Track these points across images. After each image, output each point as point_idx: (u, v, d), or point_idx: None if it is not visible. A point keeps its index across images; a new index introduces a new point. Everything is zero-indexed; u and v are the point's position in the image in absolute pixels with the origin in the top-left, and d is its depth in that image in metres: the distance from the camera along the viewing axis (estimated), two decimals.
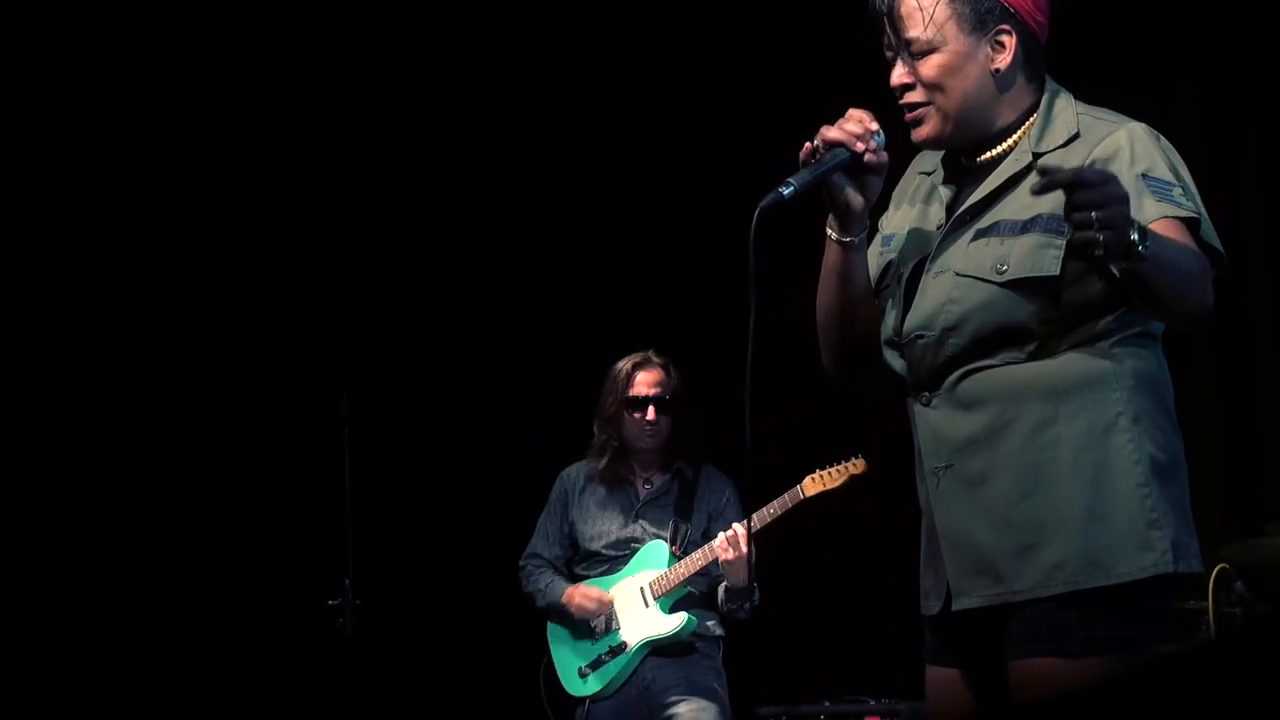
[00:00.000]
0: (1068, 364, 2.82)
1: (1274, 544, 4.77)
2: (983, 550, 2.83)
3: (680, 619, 5.03)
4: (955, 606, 2.88)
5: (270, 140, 6.43)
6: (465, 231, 6.62)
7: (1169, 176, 2.81)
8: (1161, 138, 2.89)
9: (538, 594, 5.24)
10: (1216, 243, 2.82)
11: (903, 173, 3.11)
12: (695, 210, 6.36)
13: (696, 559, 4.99)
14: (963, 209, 2.93)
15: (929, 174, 3.05)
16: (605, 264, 6.50)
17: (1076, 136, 2.89)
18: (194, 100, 6.38)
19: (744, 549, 4.87)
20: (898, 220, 3.06)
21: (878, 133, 2.89)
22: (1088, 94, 3.00)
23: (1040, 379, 2.82)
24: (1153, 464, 2.81)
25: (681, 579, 5.02)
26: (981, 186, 2.92)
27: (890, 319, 2.98)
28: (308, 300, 6.31)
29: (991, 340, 2.84)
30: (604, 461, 5.25)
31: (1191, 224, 2.78)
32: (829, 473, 4.91)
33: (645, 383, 5.20)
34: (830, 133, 2.88)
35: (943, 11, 2.87)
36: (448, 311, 6.59)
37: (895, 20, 2.89)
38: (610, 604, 5.11)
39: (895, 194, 3.12)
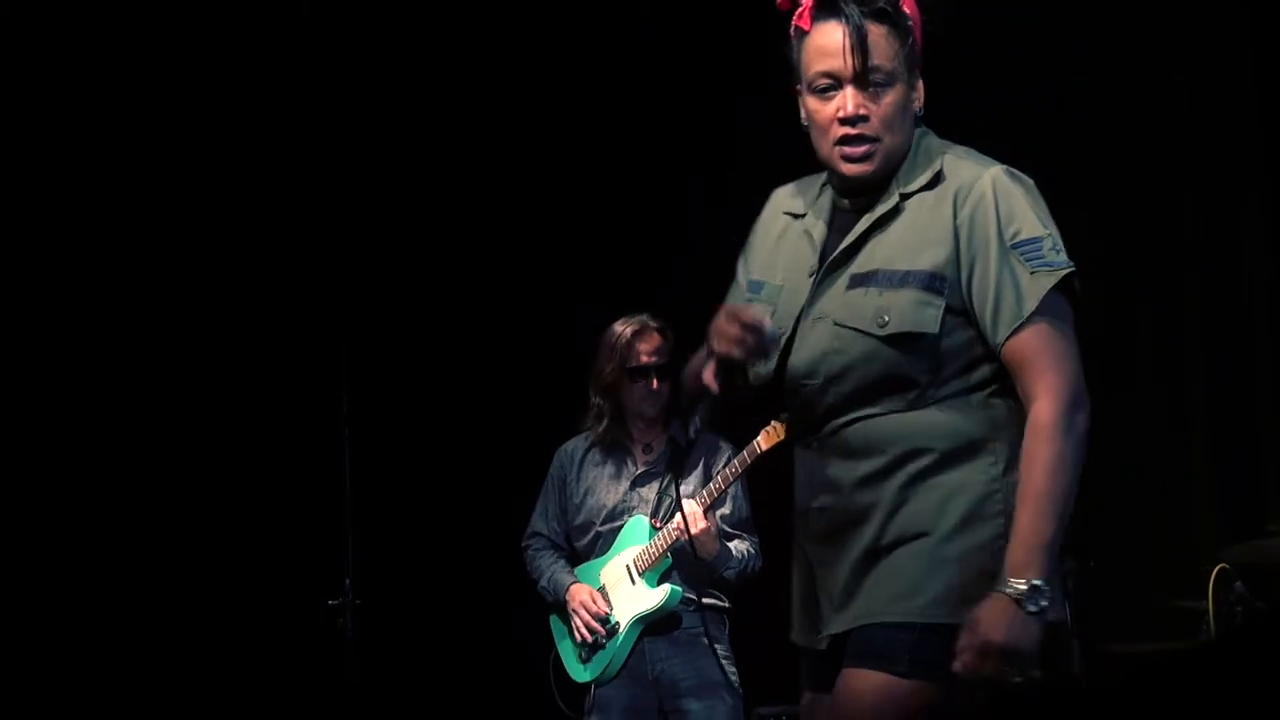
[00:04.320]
0: (947, 413, 2.85)
1: (1274, 545, 4.77)
2: (846, 585, 2.88)
3: (665, 591, 5.02)
4: (824, 631, 2.93)
5: (271, 141, 6.43)
6: (464, 233, 6.63)
7: (1037, 228, 2.83)
8: (1021, 178, 2.89)
9: (544, 589, 5.24)
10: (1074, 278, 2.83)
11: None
12: (687, 204, 6.38)
13: (671, 531, 4.99)
14: (836, 253, 2.93)
15: (798, 216, 3.03)
16: (603, 265, 6.50)
17: (940, 178, 2.89)
18: (196, 101, 6.38)
19: (700, 525, 4.87)
20: (765, 264, 3.04)
21: (759, 325, 2.84)
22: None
23: (919, 428, 2.85)
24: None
25: (662, 552, 5.02)
26: (855, 228, 2.92)
27: (770, 364, 2.95)
28: (308, 300, 6.30)
29: (874, 389, 2.86)
30: (602, 426, 5.20)
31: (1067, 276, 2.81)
32: (776, 426, 4.82)
33: (646, 351, 5.15)
34: (721, 348, 2.85)
35: (902, 47, 2.87)
36: (447, 311, 6.59)
37: (865, 46, 2.84)
38: (605, 613, 5.10)
39: (757, 233, 3.10)
